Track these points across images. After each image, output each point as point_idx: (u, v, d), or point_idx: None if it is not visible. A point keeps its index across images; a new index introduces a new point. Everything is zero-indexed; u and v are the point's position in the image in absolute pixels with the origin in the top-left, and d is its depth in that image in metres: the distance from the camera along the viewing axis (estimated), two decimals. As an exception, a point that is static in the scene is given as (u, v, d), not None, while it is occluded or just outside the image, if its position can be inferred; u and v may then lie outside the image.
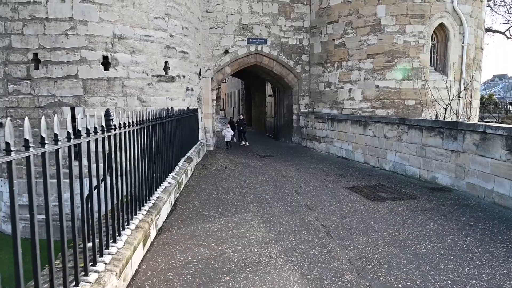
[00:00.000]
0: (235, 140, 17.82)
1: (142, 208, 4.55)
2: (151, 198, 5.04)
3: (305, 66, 15.37)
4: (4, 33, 9.37)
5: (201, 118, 13.98)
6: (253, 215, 5.67)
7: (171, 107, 11.05)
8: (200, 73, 13.65)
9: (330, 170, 9.86)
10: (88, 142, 2.96)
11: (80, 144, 2.76)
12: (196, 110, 12.86)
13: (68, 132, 2.55)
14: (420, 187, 7.61)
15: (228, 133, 15.69)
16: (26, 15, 9.31)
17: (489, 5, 25.00)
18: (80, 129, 2.79)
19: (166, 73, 11.31)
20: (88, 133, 2.92)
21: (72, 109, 9.78)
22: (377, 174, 9.28)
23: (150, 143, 5.29)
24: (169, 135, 6.94)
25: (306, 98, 15.61)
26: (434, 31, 12.74)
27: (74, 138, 2.62)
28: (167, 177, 6.45)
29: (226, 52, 14.34)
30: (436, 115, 12.65)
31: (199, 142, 12.85)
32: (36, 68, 9.59)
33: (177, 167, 7.60)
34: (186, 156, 9.08)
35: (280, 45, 14.97)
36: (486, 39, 19.66)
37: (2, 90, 9.61)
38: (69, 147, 2.56)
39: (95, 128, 3.09)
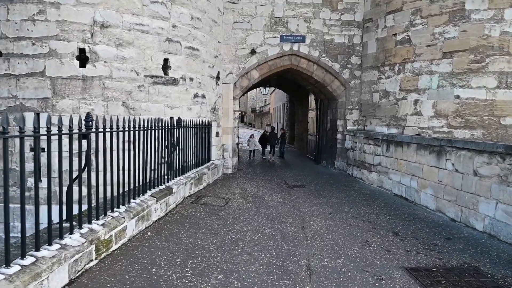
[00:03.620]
0: (263, 156, 17.06)
1: None
2: None
3: (354, 71, 11.94)
4: (-40, 17, 7.54)
5: (217, 133, 11.20)
6: None
7: (171, 118, 8.47)
8: (218, 77, 10.96)
9: (380, 221, 6.34)
10: None
11: None
12: (208, 124, 10.14)
13: None
14: (559, 283, 3.87)
15: (251, 143, 16.66)
16: (-14, -4, 7.39)
17: None
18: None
19: (166, 73, 8.76)
20: None
21: (37, 115, 7.56)
22: (461, 237, 5.56)
23: None
24: (100, 156, 4.18)
25: (355, 112, 12.09)
26: (549, 18, 8.68)
27: None
28: (72, 233, 3.65)
29: (253, 52, 11.51)
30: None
31: (209, 164, 10.04)
32: (-4, 62, 7.61)
33: (123, 208, 4.78)
34: (160, 188, 6.25)
35: (323, 44, 11.76)
36: None
37: (-47, 89, 7.73)
38: None
39: None
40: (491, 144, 5.68)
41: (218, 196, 7.91)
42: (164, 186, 6.41)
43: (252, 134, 17.76)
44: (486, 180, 5.69)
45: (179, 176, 7.52)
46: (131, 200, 5.14)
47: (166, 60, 8.72)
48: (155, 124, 6.01)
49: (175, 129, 7.30)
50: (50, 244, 3.32)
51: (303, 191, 9.09)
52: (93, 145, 4.22)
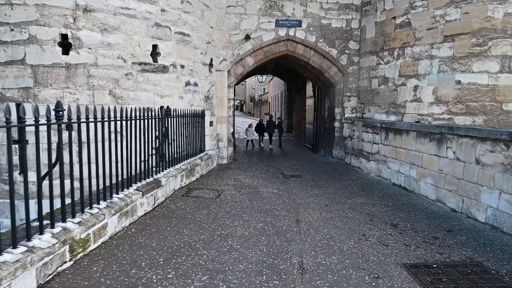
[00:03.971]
0: (260, 144, 17.08)
1: None
2: None
3: (353, 57, 11.54)
4: None
5: (211, 122, 10.86)
6: None
7: (161, 107, 8.11)
8: (211, 64, 10.56)
9: (378, 213, 6.07)
10: None
11: None
12: (201, 113, 9.78)
13: None
14: None
15: (249, 132, 16.17)
16: (-40, -22, 6.97)
17: None
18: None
19: (155, 60, 8.39)
20: None
21: (18, 106, 7.23)
22: (462, 229, 5.30)
23: None
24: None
25: (353, 99, 11.74)
26: (555, -2, 8.27)
27: None
28: (42, 233, 3.37)
29: (247, 37, 11.08)
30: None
31: (203, 154, 9.74)
32: (-26, 50, 7.22)
33: (103, 204, 4.48)
34: (147, 181, 5.95)
35: (320, 29, 11.32)
36: None
37: None
38: None
39: None
40: (494, 131, 5.37)
41: (210, 188, 7.63)
42: (152, 179, 6.12)
43: (251, 124, 17.51)
44: (489, 169, 5.40)
45: (169, 167, 7.22)
46: (114, 195, 4.85)
47: (155, 46, 8.33)
48: (141, 114, 5.67)
49: (164, 119, 6.96)
50: (14, 247, 3.03)
51: (300, 181, 8.81)
52: (73, 136, 3.92)
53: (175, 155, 7.79)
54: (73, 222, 3.82)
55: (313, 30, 11.29)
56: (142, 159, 5.92)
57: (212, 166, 10.41)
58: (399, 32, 9.72)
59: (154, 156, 6.61)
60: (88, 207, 4.24)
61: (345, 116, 11.80)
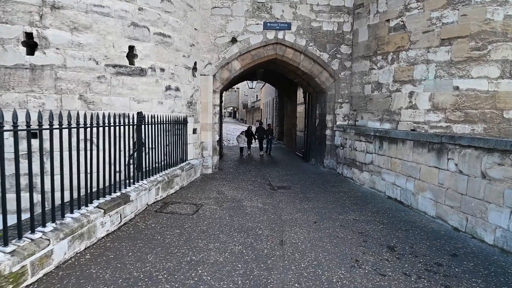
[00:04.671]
0: (248, 152, 16.45)
1: None
2: None
3: (345, 62, 11.01)
4: None
5: (195, 130, 10.19)
6: None
7: (138, 113, 7.44)
8: (195, 68, 9.94)
9: (373, 232, 5.43)
10: None
11: None
12: (183, 120, 9.12)
13: None
14: None
15: (241, 139, 15.92)
16: None
17: None
18: None
19: (132, 62, 7.74)
20: None
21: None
22: (468, 252, 4.67)
23: None
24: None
25: (345, 106, 11.19)
26: (557, 0, 7.84)
27: None
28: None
29: (233, 40, 10.49)
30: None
31: (184, 164, 9.05)
32: None
33: (50, 226, 3.77)
34: (113, 196, 5.25)
35: (310, 32, 10.79)
36: None
37: None
38: None
39: None
40: (503, 142, 4.79)
41: (189, 202, 6.93)
42: (119, 193, 5.41)
43: (243, 131, 16.92)
44: (498, 184, 4.81)
45: (143, 179, 6.52)
46: (67, 214, 4.15)
47: (131, 48, 7.69)
48: (105, 120, 5.00)
49: (138, 126, 6.29)
50: None
51: (288, 193, 8.17)
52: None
53: (153, 165, 7.11)
54: (4, 252, 3.12)
55: (303, 33, 10.75)
56: (109, 170, 5.24)
57: (195, 177, 9.71)
58: (393, 36, 9.21)
59: (125, 167, 5.92)
60: (29, 231, 3.54)
61: (337, 123, 11.24)
